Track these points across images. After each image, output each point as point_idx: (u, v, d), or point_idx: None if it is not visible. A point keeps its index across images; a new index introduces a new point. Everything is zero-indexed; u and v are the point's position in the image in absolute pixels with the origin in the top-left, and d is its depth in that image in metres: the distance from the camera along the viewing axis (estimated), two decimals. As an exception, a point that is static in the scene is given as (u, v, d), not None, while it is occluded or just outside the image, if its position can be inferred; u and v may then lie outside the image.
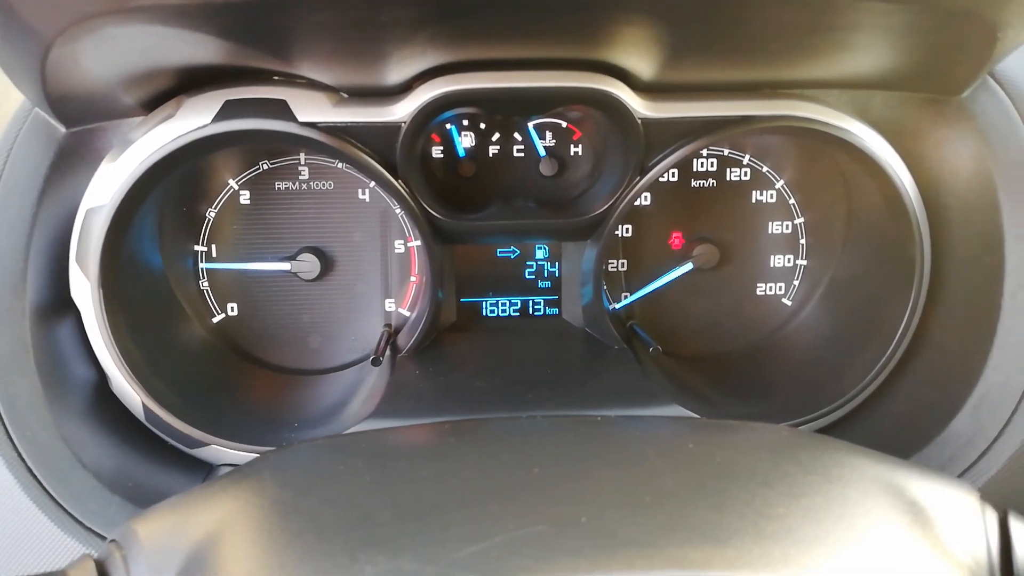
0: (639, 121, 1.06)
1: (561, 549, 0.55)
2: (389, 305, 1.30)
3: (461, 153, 1.25)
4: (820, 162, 1.24)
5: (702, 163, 1.29)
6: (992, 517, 0.66)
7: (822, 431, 1.17)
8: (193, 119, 1.00)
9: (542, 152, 1.25)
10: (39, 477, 0.91)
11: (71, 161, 1.05)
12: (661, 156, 1.10)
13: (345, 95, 1.05)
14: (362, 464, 0.71)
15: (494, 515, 0.60)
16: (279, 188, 1.24)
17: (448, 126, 1.23)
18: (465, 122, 1.24)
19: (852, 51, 0.98)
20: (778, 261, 1.33)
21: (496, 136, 1.25)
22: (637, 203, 1.22)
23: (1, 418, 0.92)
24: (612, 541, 0.56)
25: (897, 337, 1.14)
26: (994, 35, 0.90)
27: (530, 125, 1.24)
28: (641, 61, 0.99)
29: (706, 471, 0.67)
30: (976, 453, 1.01)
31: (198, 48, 0.92)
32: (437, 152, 1.25)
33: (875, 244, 1.20)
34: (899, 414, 1.15)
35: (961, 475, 1.00)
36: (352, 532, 0.60)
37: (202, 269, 1.24)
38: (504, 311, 1.35)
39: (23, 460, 0.91)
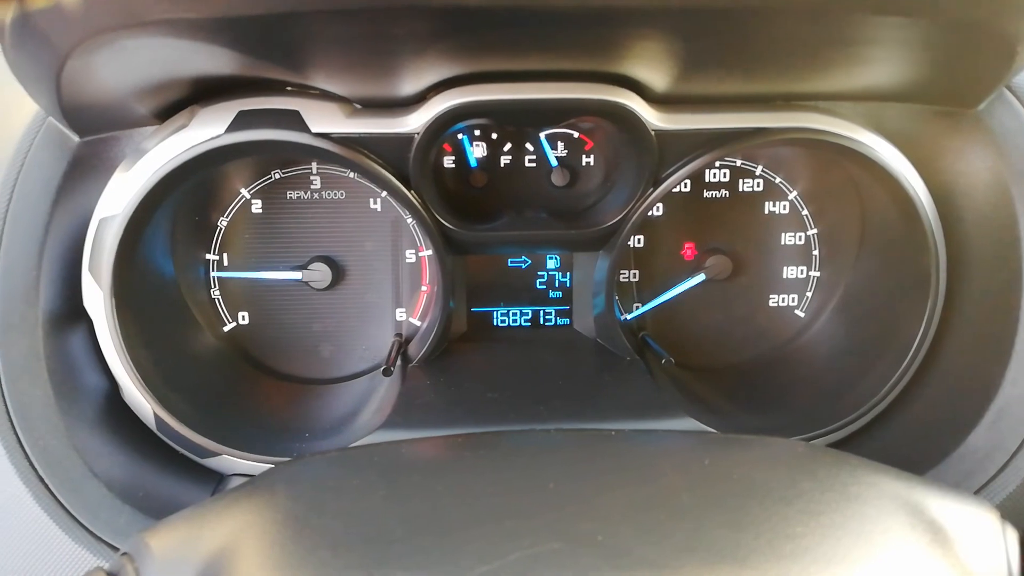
0: (652, 133, 1.06)
1: (577, 567, 0.55)
2: (400, 315, 1.30)
3: (473, 164, 1.25)
4: (834, 173, 1.24)
5: (715, 174, 1.28)
6: (1013, 536, 0.65)
7: (836, 445, 1.16)
8: (206, 129, 1.01)
9: (554, 163, 1.25)
10: (50, 486, 0.91)
11: (84, 170, 1.05)
12: (674, 168, 1.10)
13: (358, 106, 1.05)
14: (376, 478, 0.71)
15: (509, 532, 0.60)
16: (291, 197, 1.24)
17: (460, 137, 1.23)
18: (477, 133, 1.24)
19: (867, 64, 0.97)
20: (791, 272, 1.33)
21: (508, 147, 1.25)
22: (649, 214, 1.21)
23: (13, 427, 0.92)
24: (629, 560, 0.56)
25: (912, 350, 1.13)
26: (1013, 49, 0.89)
27: (542, 136, 1.24)
28: (655, 73, 0.99)
29: (723, 488, 0.67)
30: (994, 468, 1.00)
31: (212, 60, 0.92)
32: (449, 163, 1.25)
33: (889, 256, 1.19)
34: (915, 428, 1.14)
35: (978, 491, 0.99)
36: (366, 548, 0.59)
37: (213, 278, 1.24)
38: (515, 321, 1.35)
39: (35, 469, 0.91)
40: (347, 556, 0.59)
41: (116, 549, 0.90)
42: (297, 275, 1.24)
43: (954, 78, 1.01)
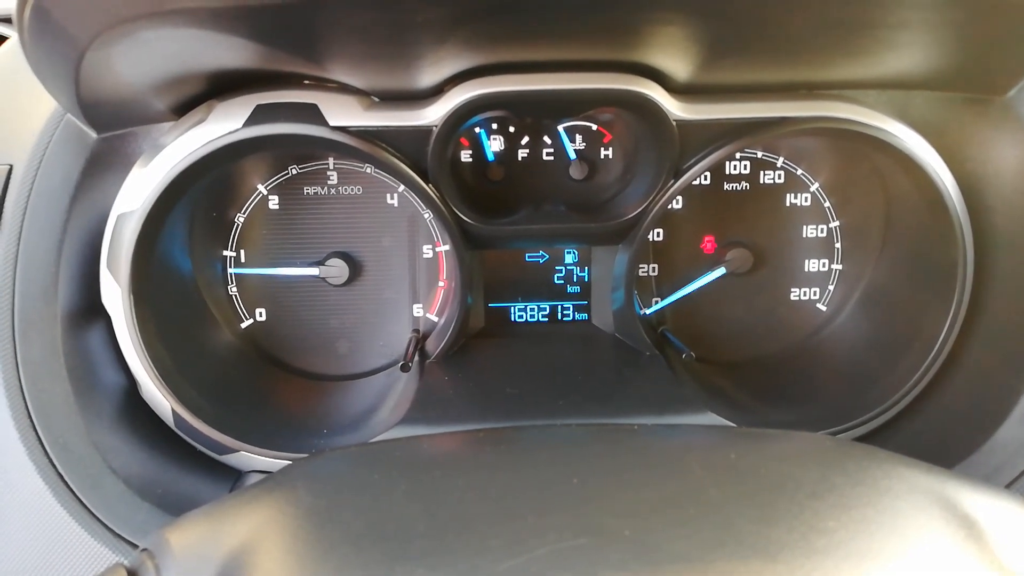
0: (674, 123, 1.04)
1: (605, 563, 0.54)
2: (417, 310, 1.29)
3: (490, 157, 1.24)
4: (857, 164, 1.22)
5: (735, 166, 1.27)
6: (1049, 532, 0.63)
7: (860, 439, 1.15)
8: (224, 124, 1.00)
9: (572, 156, 1.23)
10: (69, 483, 0.91)
11: (102, 166, 1.05)
12: (696, 159, 1.08)
13: (376, 99, 1.04)
14: (397, 473, 0.70)
15: (534, 527, 0.59)
16: (308, 193, 1.23)
17: (477, 130, 1.22)
18: (494, 126, 1.23)
19: (895, 50, 0.95)
20: (812, 265, 1.31)
21: (525, 140, 1.24)
22: (669, 207, 1.20)
23: (32, 424, 0.92)
24: (658, 555, 0.54)
25: (938, 343, 1.11)
26: None
27: (561, 128, 1.23)
28: (677, 62, 0.97)
29: (751, 482, 0.65)
30: (1024, 463, 0.98)
31: (230, 52, 0.91)
32: (466, 157, 1.24)
33: (914, 248, 1.17)
34: (941, 422, 1.12)
35: (1009, 485, 0.97)
36: (389, 544, 0.58)
37: (231, 274, 1.24)
38: (533, 316, 1.34)
39: (54, 465, 0.91)
40: (369, 552, 0.58)
41: (135, 546, 0.89)
42: (314, 271, 1.24)
43: (983, 64, 0.99)
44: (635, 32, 0.90)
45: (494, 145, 1.23)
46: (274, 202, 1.23)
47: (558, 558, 0.54)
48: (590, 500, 0.63)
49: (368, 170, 1.23)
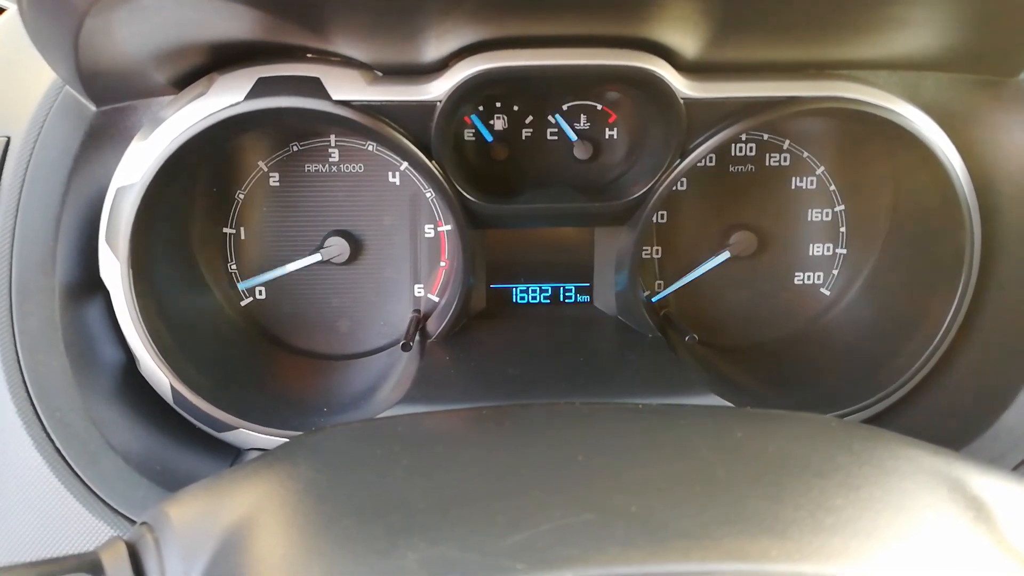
0: (681, 101, 1.03)
1: (611, 539, 0.53)
2: (418, 290, 1.28)
3: (489, 138, 1.22)
4: (865, 147, 1.21)
5: (741, 148, 1.26)
6: (1056, 514, 0.63)
7: (864, 423, 1.14)
8: (225, 97, 0.99)
9: (573, 136, 1.22)
10: (67, 458, 0.90)
11: (101, 140, 1.04)
12: (702, 138, 1.07)
13: (380, 73, 1.03)
14: (399, 448, 0.69)
15: (539, 502, 0.58)
16: (309, 170, 1.22)
17: (480, 108, 1.21)
18: (498, 104, 1.21)
19: (907, 28, 0.94)
20: (817, 250, 1.30)
21: (529, 119, 1.22)
22: (673, 188, 1.19)
23: (30, 398, 0.91)
24: (665, 532, 0.54)
25: (943, 328, 1.10)
26: None
27: (560, 110, 1.21)
28: (686, 38, 0.96)
29: (758, 461, 0.65)
30: (1030, 448, 0.98)
31: (232, 22, 0.90)
32: (470, 135, 1.22)
33: (921, 232, 1.16)
34: (945, 407, 1.12)
35: (1015, 470, 0.97)
36: (391, 517, 0.58)
37: (231, 252, 1.23)
38: (535, 298, 1.33)
39: (52, 441, 0.90)
40: (371, 525, 0.57)
41: (133, 522, 0.89)
42: (316, 257, 1.22)
43: (995, 44, 0.98)
44: (644, 7, 0.89)
45: (498, 124, 1.22)
46: (275, 179, 1.22)
47: (564, 533, 0.54)
48: (596, 477, 0.62)
49: (370, 148, 1.22)
